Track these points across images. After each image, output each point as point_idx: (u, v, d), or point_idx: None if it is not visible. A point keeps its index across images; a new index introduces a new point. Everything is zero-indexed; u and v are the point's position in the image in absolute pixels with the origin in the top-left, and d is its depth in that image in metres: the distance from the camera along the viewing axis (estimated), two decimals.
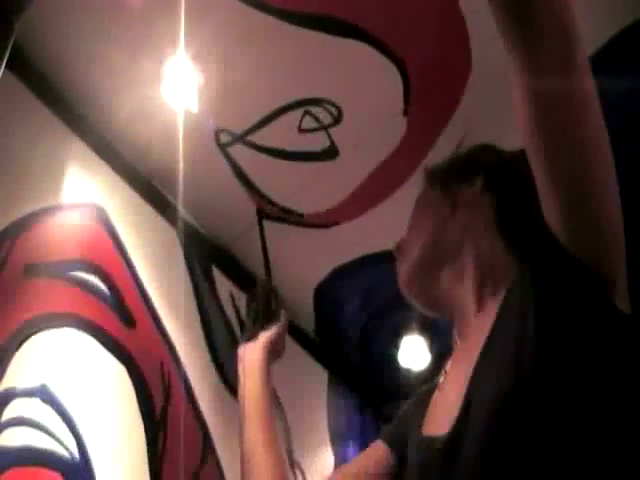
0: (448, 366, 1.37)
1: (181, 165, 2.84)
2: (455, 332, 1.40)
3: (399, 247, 1.52)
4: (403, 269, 1.48)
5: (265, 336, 1.73)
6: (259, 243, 3.44)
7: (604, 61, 2.76)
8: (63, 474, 2.27)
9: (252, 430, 1.57)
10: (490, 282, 1.33)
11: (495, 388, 1.09)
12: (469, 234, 1.39)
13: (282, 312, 1.81)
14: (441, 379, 1.36)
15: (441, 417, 1.22)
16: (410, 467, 1.31)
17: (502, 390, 1.08)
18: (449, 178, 1.48)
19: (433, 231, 1.43)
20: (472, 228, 1.39)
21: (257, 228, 3.14)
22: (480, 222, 1.39)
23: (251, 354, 1.69)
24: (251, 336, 1.75)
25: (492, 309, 1.24)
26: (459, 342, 1.37)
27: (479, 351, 1.19)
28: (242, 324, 1.85)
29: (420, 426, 1.31)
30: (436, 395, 1.34)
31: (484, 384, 1.13)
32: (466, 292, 1.36)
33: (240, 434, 1.59)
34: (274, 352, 1.74)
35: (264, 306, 1.80)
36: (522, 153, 1.18)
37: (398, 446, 1.45)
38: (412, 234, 1.50)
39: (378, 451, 1.51)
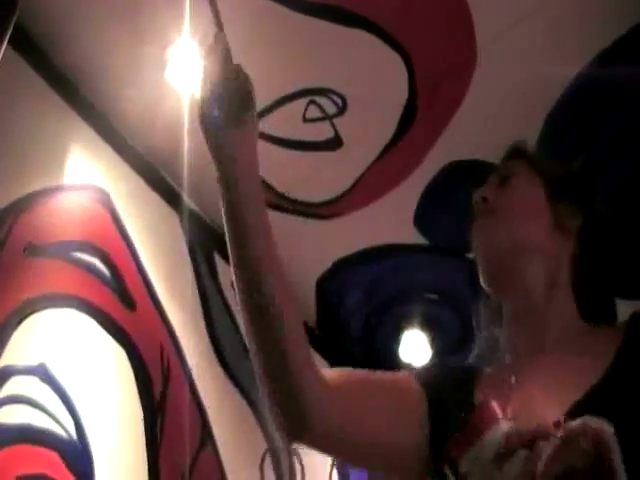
0: (500, 371, 1.37)
1: (186, 150, 2.84)
2: (517, 329, 1.40)
3: (491, 209, 1.43)
4: (497, 237, 1.40)
5: (253, 124, 1.34)
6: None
7: (614, 58, 2.78)
8: (60, 453, 2.28)
9: (262, 247, 1.25)
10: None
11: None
12: (558, 261, 1.40)
13: (244, 77, 1.34)
14: (512, 379, 1.32)
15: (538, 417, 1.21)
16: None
17: None
18: (554, 188, 1.46)
19: (534, 232, 1.41)
20: (562, 257, 1.40)
21: None
22: (567, 257, 1.40)
23: (246, 152, 1.30)
24: (230, 120, 1.30)
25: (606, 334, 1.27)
26: (521, 349, 1.37)
27: (607, 364, 1.19)
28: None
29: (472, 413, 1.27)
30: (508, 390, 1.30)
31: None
32: (559, 305, 1.37)
33: (238, 252, 1.26)
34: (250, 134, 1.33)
35: (228, 71, 1.33)
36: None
37: (434, 395, 1.35)
38: (510, 208, 1.44)
39: (405, 382, 1.39)
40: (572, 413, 1.11)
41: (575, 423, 0.95)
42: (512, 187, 1.46)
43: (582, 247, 1.40)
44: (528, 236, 1.40)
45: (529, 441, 0.97)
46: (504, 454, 1.06)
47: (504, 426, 1.13)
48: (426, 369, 1.47)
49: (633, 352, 1.19)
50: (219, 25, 1.41)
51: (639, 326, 1.24)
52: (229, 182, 1.28)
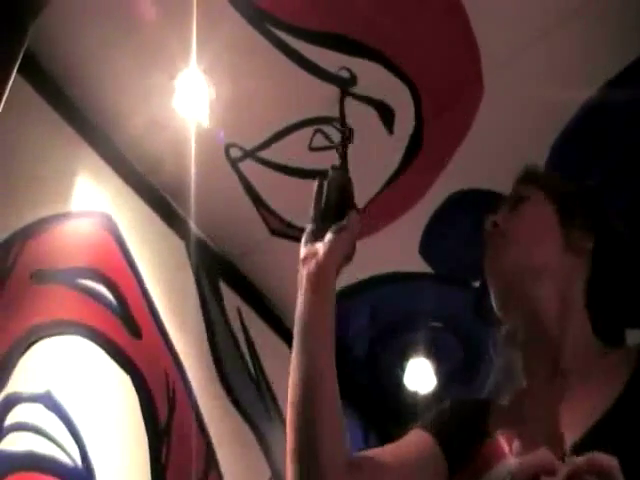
0: (515, 400, 1.37)
1: (193, 178, 2.86)
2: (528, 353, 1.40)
3: (501, 232, 1.44)
4: (507, 260, 1.42)
5: (330, 236, 1.41)
6: (267, 259, 3.48)
7: (621, 85, 2.79)
8: None
9: (319, 351, 1.32)
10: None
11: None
12: (571, 284, 1.39)
13: (353, 213, 1.49)
14: (524, 408, 1.33)
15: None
16: None
17: None
18: (566, 211, 1.46)
19: (545, 256, 1.41)
20: (575, 280, 1.40)
21: (267, 244, 3.17)
22: (580, 279, 1.40)
23: (320, 259, 1.37)
24: (318, 235, 1.42)
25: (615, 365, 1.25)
26: (534, 375, 1.37)
27: (614, 398, 1.18)
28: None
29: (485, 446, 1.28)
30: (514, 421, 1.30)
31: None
32: (574, 329, 1.36)
33: (299, 353, 1.33)
34: (346, 257, 1.44)
35: (335, 200, 1.48)
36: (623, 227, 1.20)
37: (449, 443, 1.35)
38: (521, 231, 1.44)
39: (422, 441, 1.37)
40: (578, 446, 1.10)
41: (581, 459, 0.94)
42: (522, 212, 1.47)
43: (595, 267, 1.40)
44: (538, 260, 1.40)
45: (533, 477, 0.97)
46: None
47: (511, 462, 1.11)
48: (438, 416, 1.43)
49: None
50: (344, 161, 1.64)
51: None
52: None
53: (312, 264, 1.37)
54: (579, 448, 1.09)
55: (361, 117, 2.93)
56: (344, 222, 1.44)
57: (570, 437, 1.14)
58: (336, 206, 1.48)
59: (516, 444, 1.04)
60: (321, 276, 1.36)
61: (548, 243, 1.42)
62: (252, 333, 3.45)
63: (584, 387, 1.26)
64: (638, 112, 2.87)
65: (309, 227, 1.45)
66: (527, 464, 0.96)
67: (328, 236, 1.40)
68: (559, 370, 1.32)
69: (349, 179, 1.56)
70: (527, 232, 1.44)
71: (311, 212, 1.48)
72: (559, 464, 0.93)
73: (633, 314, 1.40)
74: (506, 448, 1.20)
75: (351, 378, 4.12)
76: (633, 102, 2.84)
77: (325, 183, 1.54)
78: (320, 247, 1.39)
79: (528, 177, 1.54)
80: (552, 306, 1.37)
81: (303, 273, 1.37)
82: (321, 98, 2.86)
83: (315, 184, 1.54)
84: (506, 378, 1.42)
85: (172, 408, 2.80)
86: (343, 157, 1.64)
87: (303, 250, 1.41)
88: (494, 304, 1.43)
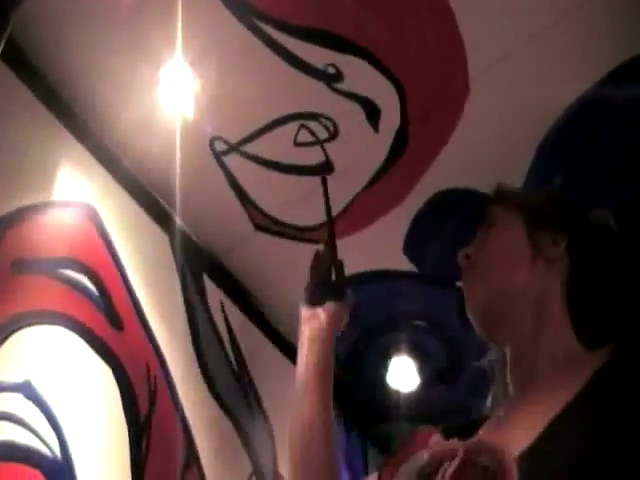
0: (501, 411, 1.37)
1: (178, 172, 2.86)
2: (508, 372, 1.41)
3: (472, 264, 1.48)
4: (477, 292, 1.45)
5: (332, 307, 1.69)
6: (251, 255, 3.48)
7: (607, 91, 2.81)
8: (44, 472, 2.26)
9: (312, 402, 1.56)
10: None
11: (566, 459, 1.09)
12: (546, 293, 1.40)
13: (348, 292, 1.76)
14: (496, 419, 1.36)
15: None
16: None
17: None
18: (533, 220, 1.47)
19: (513, 277, 1.42)
20: (550, 287, 1.40)
21: (251, 239, 3.17)
22: (556, 284, 1.40)
23: (317, 320, 1.66)
24: (315, 300, 1.71)
25: (576, 375, 1.24)
26: (515, 387, 1.39)
27: (556, 411, 1.18)
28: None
29: None
30: (490, 433, 1.32)
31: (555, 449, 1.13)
32: (542, 344, 1.37)
33: (296, 403, 1.58)
34: (339, 324, 1.71)
35: (326, 275, 1.77)
36: (607, 220, 1.20)
37: None
38: (489, 259, 1.47)
39: None
40: (524, 455, 1.11)
41: (472, 441, 0.96)
42: (491, 237, 1.49)
43: (573, 267, 1.40)
44: (507, 283, 1.42)
45: (439, 463, 0.99)
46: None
47: (423, 452, 1.14)
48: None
49: (595, 390, 1.18)
50: (332, 241, 1.88)
51: (617, 360, 1.22)
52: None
53: (314, 325, 1.64)
54: (525, 456, 1.11)
55: (347, 114, 2.95)
56: (345, 299, 1.73)
57: (517, 447, 1.14)
58: (331, 280, 1.77)
59: (434, 438, 1.08)
60: (321, 337, 1.62)
61: (515, 262, 1.44)
62: (235, 327, 3.44)
63: (547, 393, 1.26)
64: (622, 114, 2.89)
65: (307, 292, 1.73)
66: (434, 452, 0.99)
67: (331, 305, 1.69)
68: (535, 380, 1.33)
69: (339, 259, 1.82)
70: (494, 258, 1.46)
71: (308, 278, 1.76)
72: (461, 450, 0.96)
73: (617, 311, 1.39)
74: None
75: (333, 376, 4.13)
76: (619, 104, 2.86)
77: (319, 255, 1.81)
78: (321, 312, 1.67)
79: (497, 197, 1.57)
80: (526, 325, 1.38)
81: (305, 332, 1.65)
82: (307, 93, 2.88)
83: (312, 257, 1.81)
84: (502, 398, 1.44)
85: (153, 401, 2.80)
86: (332, 236, 1.89)
87: (304, 312, 1.69)
88: (479, 334, 1.46)
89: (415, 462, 1.08)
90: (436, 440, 1.10)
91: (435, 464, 0.99)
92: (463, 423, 1.48)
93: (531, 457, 1.11)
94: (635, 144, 2.96)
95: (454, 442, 0.99)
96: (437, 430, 1.32)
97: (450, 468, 0.98)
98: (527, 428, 1.18)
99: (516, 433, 1.20)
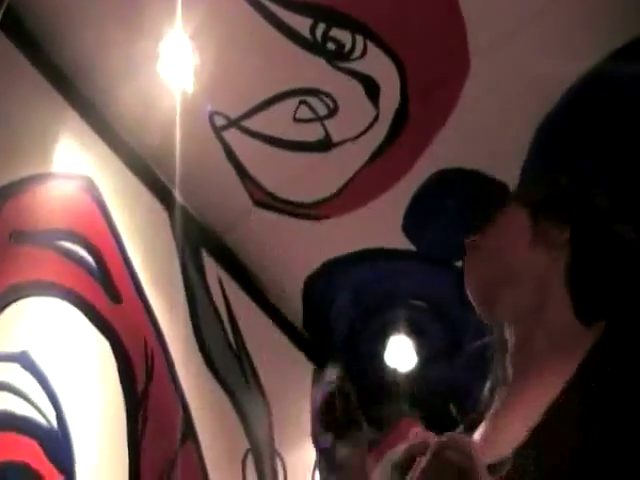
0: (498, 404, 1.38)
1: (177, 146, 2.86)
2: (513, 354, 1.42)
3: (476, 245, 1.50)
4: (477, 268, 1.48)
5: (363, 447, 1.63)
6: (250, 230, 3.48)
7: (608, 71, 2.81)
8: (40, 442, 2.27)
9: None
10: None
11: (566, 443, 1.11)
12: (547, 273, 1.41)
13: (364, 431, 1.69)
14: (497, 406, 1.37)
15: (501, 442, 1.22)
16: None
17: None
18: (538, 212, 1.48)
19: (513, 256, 1.45)
20: (551, 268, 1.41)
21: (250, 215, 3.18)
22: (558, 267, 1.41)
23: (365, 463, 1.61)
24: (344, 436, 1.63)
25: (571, 357, 1.25)
26: (515, 373, 1.39)
27: (554, 395, 1.19)
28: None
29: None
30: (492, 419, 1.34)
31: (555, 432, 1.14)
32: (539, 325, 1.38)
33: None
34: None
35: (348, 408, 1.67)
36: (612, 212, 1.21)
37: None
38: (491, 242, 1.49)
39: None
40: (522, 447, 1.14)
41: (444, 437, 0.98)
42: (496, 224, 1.51)
43: (575, 252, 1.41)
44: (507, 264, 1.44)
45: (413, 458, 1.01)
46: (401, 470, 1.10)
47: (399, 448, 1.16)
48: None
49: (587, 377, 1.19)
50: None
51: (605, 345, 1.24)
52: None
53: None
54: (522, 448, 1.13)
55: (347, 90, 2.95)
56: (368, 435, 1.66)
57: (512, 443, 1.16)
58: (350, 414, 1.66)
59: (413, 431, 1.10)
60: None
61: (516, 245, 1.45)
62: (233, 303, 3.45)
63: (542, 381, 1.27)
64: (625, 95, 2.89)
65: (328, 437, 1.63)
66: (408, 447, 1.00)
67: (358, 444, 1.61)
68: (535, 361, 1.34)
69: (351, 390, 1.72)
70: (497, 241, 1.48)
71: (323, 417, 1.64)
72: (432, 446, 0.98)
73: (614, 293, 1.40)
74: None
75: (332, 351, 4.14)
76: (621, 85, 2.85)
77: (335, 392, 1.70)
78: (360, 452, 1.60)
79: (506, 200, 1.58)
80: (525, 306, 1.39)
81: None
82: (307, 69, 2.87)
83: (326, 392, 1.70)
84: (502, 382, 1.45)
85: (150, 374, 2.81)
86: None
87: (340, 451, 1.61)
88: (478, 314, 1.47)
89: (392, 457, 1.11)
90: (414, 433, 1.11)
91: (410, 459, 1.02)
92: (448, 415, 1.50)
93: (524, 453, 1.13)
94: (637, 125, 2.95)
95: (429, 437, 1.01)
96: (419, 421, 1.34)
97: (421, 463, 1.00)
98: (522, 420, 1.20)
99: (511, 428, 1.22)
